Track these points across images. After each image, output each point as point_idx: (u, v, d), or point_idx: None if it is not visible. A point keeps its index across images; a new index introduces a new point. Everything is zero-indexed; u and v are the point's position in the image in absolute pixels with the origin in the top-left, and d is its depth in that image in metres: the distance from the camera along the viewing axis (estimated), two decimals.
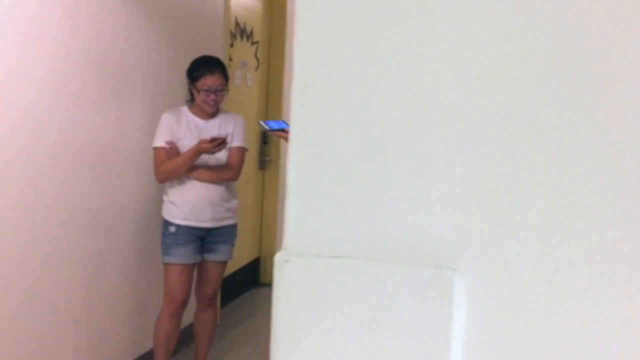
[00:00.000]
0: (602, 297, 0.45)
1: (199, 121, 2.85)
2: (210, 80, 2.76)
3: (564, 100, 0.44)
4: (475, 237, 0.46)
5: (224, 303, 3.96)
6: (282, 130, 2.63)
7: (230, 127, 2.89)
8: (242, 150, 2.92)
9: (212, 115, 2.88)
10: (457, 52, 0.45)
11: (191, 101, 2.88)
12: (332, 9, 0.45)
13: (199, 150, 2.74)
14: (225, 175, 2.88)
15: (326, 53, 0.46)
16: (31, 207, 2.37)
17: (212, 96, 2.78)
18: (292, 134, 0.48)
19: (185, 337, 3.17)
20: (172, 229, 2.84)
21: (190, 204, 2.83)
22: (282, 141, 4.45)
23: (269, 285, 4.17)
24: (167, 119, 2.80)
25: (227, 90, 2.88)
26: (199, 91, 2.77)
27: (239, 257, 3.77)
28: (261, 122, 3.09)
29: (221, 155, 2.85)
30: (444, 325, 0.45)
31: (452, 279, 0.45)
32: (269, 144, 4.58)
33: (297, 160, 0.47)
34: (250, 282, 4.57)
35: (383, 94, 0.46)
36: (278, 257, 0.48)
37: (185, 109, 2.86)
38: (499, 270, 0.46)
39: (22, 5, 2.24)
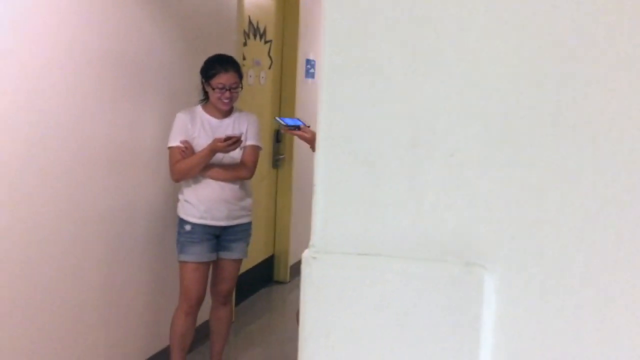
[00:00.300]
0: (634, 294, 0.45)
1: (213, 120, 2.87)
2: (224, 78, 2.78)
3: (597, 98, 0.44)
4: (504, 234, 0.46)
5: (238, 301, 3.99)
6: (298, 127, 2.65)
7: (244, 126, 2.90)
8: (256, 149, 2.94)
9: (226, 114, 2.89)
10: (486, 50, 0.45)
11: (205, 101, 2.90)
12: (361, 6, 0.45)
13: (213, 149, 2.76)
14: (240, 173, 2.90)
15: (354, 51, 0.46)
16: (47, 207, 2.39)
17: (227, 94, 2.79)
18: (320, 132, 0.48)
19: (200, 335, 3.19)
20: (188, 228, 2.86)
21: (205, 202, 2.84)
22: (295, 140, 4.46)
23: (282, 282, 4.22)
24: (181, 119, 2.82)
25: (242, 88, 2.90)
26: (214, 89, 2.79)
27: (253, 255, 3.78)
28: (277, 119, 3.12)
29: (235, 154, 2.86)
30: (473, 322, 0.45)
31: (481, 276, 0.45)
32: (282, 142, 4.60)
33: (325, 157, 0.48)
34: (264, 279, 4.59)
35: (412, 92, 0.46)
36: (306, 254, 0.49)
37: (199, 109, 2.88)
38: (528, 267, 0.46)
39: (37, 6, 2.27)
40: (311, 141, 2.65)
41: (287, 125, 2.72)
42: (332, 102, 0.47)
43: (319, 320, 0.48)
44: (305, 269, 0.48)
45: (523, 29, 0.44)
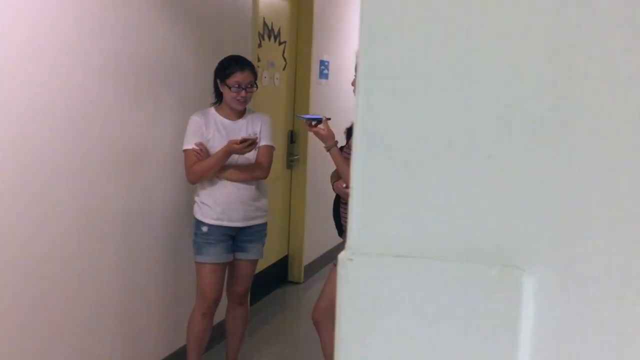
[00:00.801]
0: None
1: (227, 122, 2.88)
2: (240, 77, 2.79)
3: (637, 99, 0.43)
4: (543, 235, 0.46)
5: (253, 301, 4.00)
6: (319, 121, 2.66)
7: (257, 126, 2.91)
8: (270, 149, 2.95)
9: (240, 115, 2.90)
10: (525, 50, 0.45)
11: (217, 103, 2.91)
12: (397, 7, 0.45)
13: (229, 151, 2.77)
14: (256, 174, 2.91)
15: (391, 54, 0.46)
16: (63, 208, 2.42)
17: (243, 92, 2.80)
18: (357, 134, 0.48)
19: (216, 334, 3.21)
20: (205, 229, 2.87)
21: (221, 203, 2.86)
22: (310, 140, 4.47)
23: (297, 283, 4.23)
24: (195, 121, 2.83)
25: (257, 87, 2.91)
26: (230, 87, 2.80)
27: (267, 255, 3.79)
28: (299, 116, 3.20)
29: (250, 155, 2.87)
30: (511, 325, 0.45)
31: (520, 278, 0.45)
32: (296, 143, 4.60)
33: (362, 160, 0.48)
34: (279, 280, 4.60)
35: (449, 94, 0.46)
36: (342, 255, 0.49)
37: (212, 111, 2.90)
38: (567, 268, 0.46)
39: (52, 9, 2.29)
40: (325, 138, 2.64)
41: (308, 119, 2.73)
42: (369, 104, 0.47)
43: (355, 321, 0.48)
44: (341, 271, 0.48)
45: (562, 29, 0.44)
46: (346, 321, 0.48)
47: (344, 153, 2.62)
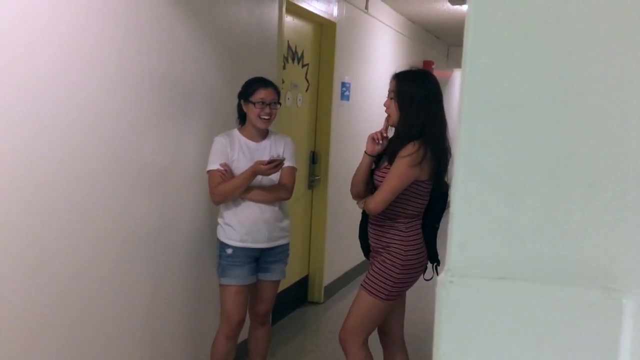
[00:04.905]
0: None
1: (251, 143, 2.90)
2: (263, 93, 2.82)
3: None
4: None
5: (273, 321, 3.99)
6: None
7: (280, 148, 2.94)
8: (294, 170, 2.96)
9: (263, 136, 2.93)
10: (627, 84, 0.47)
11: (241, 124, 2.94)
12: (502, 47, 0.48)
13: (255, 171, 2.78)
14: (280, 195, 2.93)
15: (493, 85, 0.49)
16: (91, 228, 2.44)
17: (267, 109, 2.82)
18: (458, 161, 0.50)
19: (239, 354, 3.21)
20: (229, 251, 2.87)
21: (246, 225, 2.86)
22: (331, 161, 4.51)
23: (317, 303, 4.16)
24: (220, 142, 2.85)
25: (280, 104, 2.93)
26: (254, 104, 2.82)
27: (287, 275, 3.79)
28: None
29: (274, 176, 2.89)
30: (612, 346, 0.47)
31: (619, 300, 0.47)
32: (318, 163, 4.64)
33: (462, 185, 0.50)
34: (299, 300, 4.59)
35: (551, 124, 0.48)
36: (442, 277, 0.51)
37: (236, 132, 2.92)
38: None
39: (82, 30, 2.35)
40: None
41: None
42: (471, 132, 0.50)
43: (455, 341, 0.50)
44: (441, 292, 0.50)
45: None
46: (446, 341, 0.50)
47: (376, 174, 2.62)
